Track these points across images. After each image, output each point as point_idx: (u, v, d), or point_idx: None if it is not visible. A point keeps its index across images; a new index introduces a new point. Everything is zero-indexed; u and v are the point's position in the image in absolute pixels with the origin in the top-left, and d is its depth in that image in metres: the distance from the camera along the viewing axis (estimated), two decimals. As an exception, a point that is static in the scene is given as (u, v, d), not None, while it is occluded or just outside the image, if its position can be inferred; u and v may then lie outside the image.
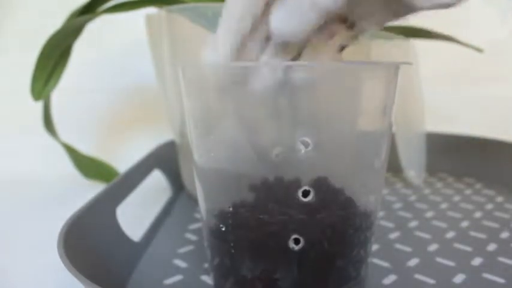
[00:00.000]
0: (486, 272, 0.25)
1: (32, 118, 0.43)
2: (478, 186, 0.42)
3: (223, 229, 0.21)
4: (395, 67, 0.21)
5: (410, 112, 0.40)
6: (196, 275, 0.25)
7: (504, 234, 0.31)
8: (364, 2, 0.18)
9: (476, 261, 0.27)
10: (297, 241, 0.20)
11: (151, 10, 0.36)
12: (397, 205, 0.37)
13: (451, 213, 0.35)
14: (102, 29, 0.44)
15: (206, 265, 0.26)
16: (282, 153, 0.20)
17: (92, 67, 0.55)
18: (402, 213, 0.35)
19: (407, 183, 0.42)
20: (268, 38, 0.19)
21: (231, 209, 0.20)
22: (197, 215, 0.35)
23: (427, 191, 0.41)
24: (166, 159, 0.40)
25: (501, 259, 0.27)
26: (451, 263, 0.26)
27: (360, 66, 0.20)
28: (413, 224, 0.33)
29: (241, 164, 0.20)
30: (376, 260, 0.27)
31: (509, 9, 0.59)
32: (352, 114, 0.20)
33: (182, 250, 0.29)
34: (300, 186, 0.19)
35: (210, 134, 0.21)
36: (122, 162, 0.43)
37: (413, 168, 0.42)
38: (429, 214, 0.35)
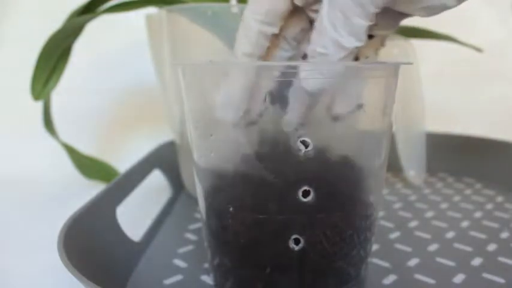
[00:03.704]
0: (486, 272, 0.25)
1: (32, 118, 0.43)
2: (478, 186, 0.42)
3: (223, 229, 0.21)
4: (395, 67, 0.21)
5: (410, 112, 0.40)
6: (196, 275, 0.25)
7: (504, 234, 0.31)
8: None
9: (476, 261, 0.27)
10: (297, 241, 0.20)
11: (151, 10, 0.36)
12: (397, 205, 0.37)
13: (451, 213, 0.35)
14: (102, 29, 0.44)
15: (206, 265, 0.26)
16: (282, 153, 0.20)
17: (92, 67, 0.55)
18: (402, 213, 0.35)
19: (407, 183, 0.42)
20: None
21: (231, 209, 0.20)
22: (197, 215, 0.35)
23: (427, 191, 0.41)
24: (166, 159, 0.40)
25: (501, 259, 0.27)
26: (451, 263, 0.26)
27: (360, 66, 0.20)
28: (413, 224, 0.33)
29: (241, 164, 0.20)
30: (376, 260, 0.27)
31: (509, 9, 0.59)
32: (352, 114, 0.20)
33: (182, 250, 0.29)
34: (300, 186, 0.19)
35: (210, 134, 0.21)
36: (122, 162, 0.43)
37: (413, 168, 0.42)
38: (429, 214, 0.35)
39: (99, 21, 0.36)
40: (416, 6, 0.19)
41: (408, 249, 0.28)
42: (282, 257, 0.20)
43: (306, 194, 0.19)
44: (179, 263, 0.27)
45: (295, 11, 0.21)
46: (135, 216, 0.31)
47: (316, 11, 0.20)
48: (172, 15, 0.32)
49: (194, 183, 0.23)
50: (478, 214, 0.35)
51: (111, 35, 0.54)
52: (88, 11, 0.34)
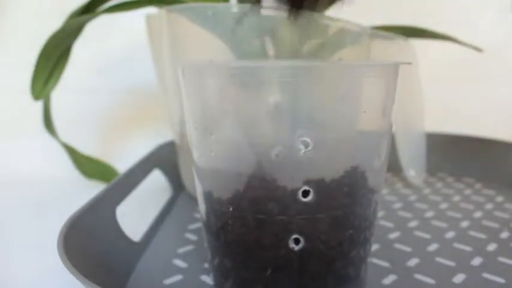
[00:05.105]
0: (486, 272, 0.25)
1: (32, 118, 0.43)
2: (478, 186, 0.42)
3: (223, 229, 0.21)
4: (395, 67, 0.21)
5: (410, 112, 0.40)
6: (196, 275, 0.25)
7: (504, 234, 0.31)
8: None
9: (476, 261, 0.27)
10: (297, 241, 0.20)
11: (151, 10, 0.36)
12: (397, 205, 0.37)
13: (451, 213, 0.35)
14: (102, 29, 0.44)
15: (206, 265, 0.26)
16: (282, 153, 0.20)
17: (92, 67, 0.55)
18: (402, 213, 0.35)
19: (407, 183, 0.42)
20: None
21: (231, 209, 0.20)
22: (197, 215, 0.35)
23: (427, 191, 0.41)
24: (166, 159, 0.40)
25: (501, 259, 0.27)
26: (451, 263, 0.26)
27: (360, 66, 0.20)
28: (413, 224, 0.33)
29: (241, 164, 0.20)
30: (376, 260, 0.27)
31: (509, 9, 0.59)
32: (352, 114, 0.20)
33: (182, 250, 0.29)
34: (299, 186, 0.19)
35: (210, 134, 0.21)
36: (122, 162, 0.43)
37: (413, 168, 0.42)
38: (429, 214, 0.35)
39: (99, 21, 0.36)
40: None
41: (408, 249, 0.28)
42: (282, 257, 0.20)
43: (305, 194, 0.19)
44: (179, 263, 0.27)
45: None
46: (135, 216, 0.31)
47: None
48: (172, 15, 0.32)
49: (194, 183, 0.23)
50: (478, 214, 0.35)
51: (111, 35, 0.54)
52: (88, 11, 0.34)
